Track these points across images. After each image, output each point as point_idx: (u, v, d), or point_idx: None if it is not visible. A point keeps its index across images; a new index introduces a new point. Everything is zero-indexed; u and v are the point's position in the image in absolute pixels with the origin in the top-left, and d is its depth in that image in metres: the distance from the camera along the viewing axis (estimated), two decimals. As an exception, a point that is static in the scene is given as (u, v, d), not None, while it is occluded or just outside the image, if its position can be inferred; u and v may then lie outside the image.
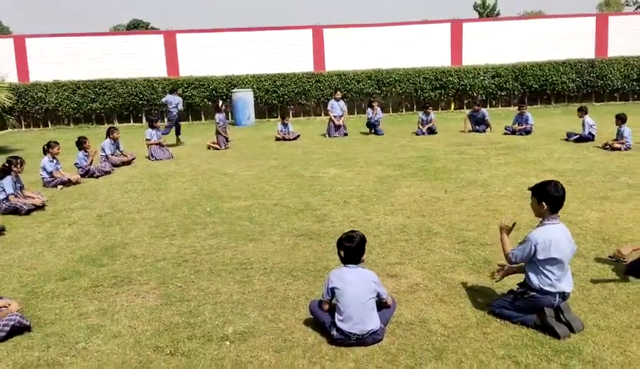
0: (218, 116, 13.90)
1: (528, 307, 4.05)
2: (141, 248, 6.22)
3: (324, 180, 9.53)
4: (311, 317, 4.21)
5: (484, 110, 15.41)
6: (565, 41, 22.31)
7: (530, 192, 4.23)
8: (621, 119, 11.64)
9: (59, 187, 9.61)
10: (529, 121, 14.35)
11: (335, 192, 8.56)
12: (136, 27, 58.54)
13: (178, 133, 14.89)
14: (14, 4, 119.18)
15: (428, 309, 4.45)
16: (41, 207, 8.14)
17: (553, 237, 3.98)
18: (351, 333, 3.80)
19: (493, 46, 22.33)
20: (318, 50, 21.93)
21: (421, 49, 22.14)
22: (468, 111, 16.20)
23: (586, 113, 12.93)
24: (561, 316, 3.99)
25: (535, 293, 4.03)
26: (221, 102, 14.63)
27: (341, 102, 15.82)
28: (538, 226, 4.15)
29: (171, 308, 4.62)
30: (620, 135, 11.50)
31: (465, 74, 21.28)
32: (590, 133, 12.61)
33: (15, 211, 7.86)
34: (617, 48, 22.28)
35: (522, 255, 4.08)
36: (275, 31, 22.05)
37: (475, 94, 21.28)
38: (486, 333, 4.03)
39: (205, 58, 21.36)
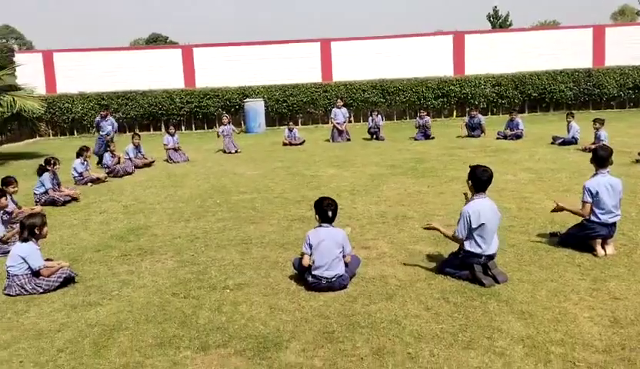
0: (221, 127, 15.56)
1: (462, 264, 5.16)
2: (160, 229, 7.43)
3: (322, 178, 10.67)
4: (295, 271, 5.36)
5: (480, 115, 16.44)
6: (564, 51, 23.27)
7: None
8: (599, 122, 12.58)
9: (89, 184, 10.90)
10: (519, 126, 15.36)
11: (330, 187, 9.69)
12: (155, 41, 60.59)
13: None
14: (38, 21, 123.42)
15: (389, 269, 5.56)
16: (75, 200, 9.41)
17: (480, 207, 5.09)
18: (322, 277, 4.94)
19: (494, 56, 23.35)
20: (326, 61, 23.19)
21: (425, 60, 23.26)
22: (465, 118, 17.18)
23: (573, 117, 13.93)
24: (489, 271, 5.09)
25: (465, 253, 5.13)
26: (225, 118, 16.07)
27: (344, 109, 16.98)
28: (467, 202, 5.26)
29: (184, 269, 5.80)
30: (597, 138, 12.43)
31: (467, 84, 22.34)
32: (574, 137, 13.58)
33: (53, 202, 9.14)
34: (613, 58, 23.17)
35: (464, 228, 5.13)
36: (286, 44, 23.39)
37: (476, 103, 22.30)
38: (430, 284, 5.13)
39: (219, 70, 22.75)
